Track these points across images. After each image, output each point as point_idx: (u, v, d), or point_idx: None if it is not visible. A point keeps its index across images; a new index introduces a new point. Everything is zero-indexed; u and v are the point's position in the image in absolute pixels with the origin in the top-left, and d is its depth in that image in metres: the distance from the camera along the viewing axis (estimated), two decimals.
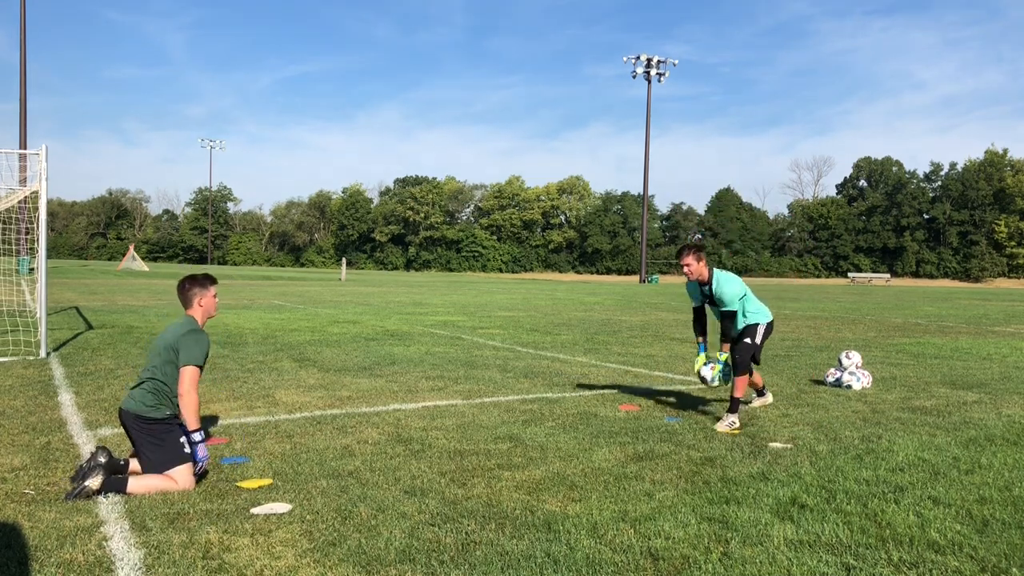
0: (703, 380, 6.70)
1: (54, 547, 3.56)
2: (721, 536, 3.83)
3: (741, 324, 6.72)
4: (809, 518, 4.10)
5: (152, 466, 4.49)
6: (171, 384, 4.63)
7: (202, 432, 4.60)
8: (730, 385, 6.65)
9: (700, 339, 6.97)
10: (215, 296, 4.99)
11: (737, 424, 6.28)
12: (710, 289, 6.64)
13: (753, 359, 6.73)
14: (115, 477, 4.35)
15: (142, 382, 4.66)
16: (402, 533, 3.80)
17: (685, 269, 6.60)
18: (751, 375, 6.82)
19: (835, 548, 3.71)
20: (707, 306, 6.91)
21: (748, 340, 6.64)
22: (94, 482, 4.25)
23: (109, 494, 4.28)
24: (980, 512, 4.25)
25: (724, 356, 6.61)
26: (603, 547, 3.66)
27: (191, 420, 4.56)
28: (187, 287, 4.93)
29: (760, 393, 7.26)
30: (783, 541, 3.77)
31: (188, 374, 4.60)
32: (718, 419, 6.57)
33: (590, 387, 8.29)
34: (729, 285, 6.56)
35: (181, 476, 4.45)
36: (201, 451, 4.55)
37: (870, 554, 3.64)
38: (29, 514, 3.97)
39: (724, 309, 6.60)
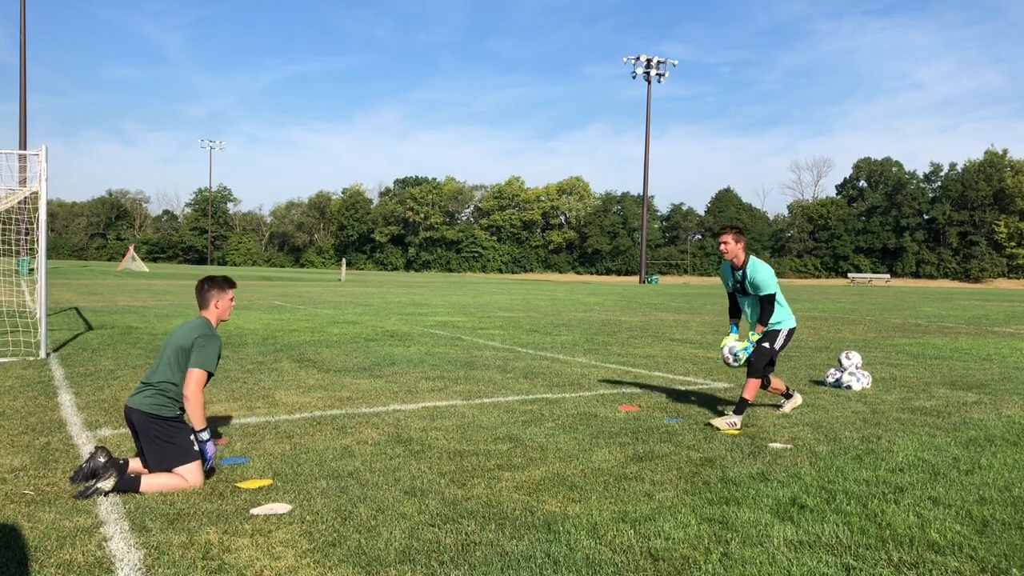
0: (728, 357, 6.58)
1: (54, 547, 3.56)
2: (721, 536, 3.83)
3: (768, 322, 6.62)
4: (809, 518, 4.10)
5: (158, 464, 4.50)
6: (180, 385, 4.64)
7: (209, 431, 4.63)
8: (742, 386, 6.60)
9: (733, 321, 6.92)
10: (232, 300, 5.00)
11: (738, 426, 6.26)
12: (743, 275, 6.60)
13: (770, 362, 6.66)
14: (127, 476, 4.37)
15: (151, 382, 4.66)
16: (402, 533, 3.80)
17: (722, 247, 6.62)
18: (768, 380, 6.77)
19: (835, 548, 3.71)
20: (738, 296, 6.81)
21: (767, 345, 6.55)
22: (107, 484, 4.27)
23: (120, 493, 4.30)
24: (980, 512, 4.25)
25: (755, 337, 6.52)
26: (603, 547, 3.66)
27: (197, 420, 4.58)
28: (206, 288, 4.93)
29: (787, 396, 7.06)
30: (783, 541, 3.77)
31: (195, 376, 4.61)
32: (721, 414, 6.55)
33: (590, 387, 8.29)
34: (763, 272, 6.52)
35: (191, 473, 4.48)
36: (209, 449, 4.58)
37: (870, 554, 3.64)
38: (29, 514, 3.97)
39: (762, 294, 6.49)
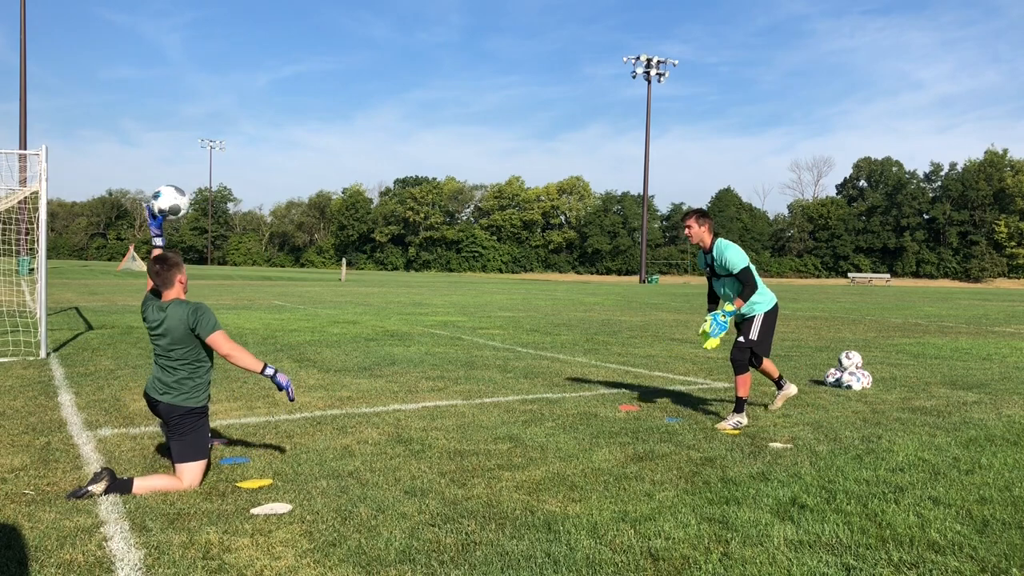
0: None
1: (54, 547, 3.56)
2: (721, 536, 3.83)
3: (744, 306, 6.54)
4: (809, 518, 4.10)
5: (178, 456, 4.56)
6: (202, 371, 4.70)
7: (271, 367, 4.70)
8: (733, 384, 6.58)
9: (710, 307, 6.87)
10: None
11: (744, 423, 6.28)
12: (711, 258, 6.55)
13: (761, 352, 6.62)
14: (120, 480, 4.35)
15: (169, 370, 4.64)
16: (402, 533, 3.80)
17: (687, 231, 6.59)
18: (760, 366, 6.73)
19: (835, 548, 3.71)
20: (712, 281, 6.73)
21: (742, 339, 6.53)
22: (97, 487, 4.26)
23: (112, 495, 4.30)
24: (980, 512, 4.25)
25: (729, 308, 6.38)
26: (603, 547, 3.67)
27: (253, 364, 4.65)
28: (166, 268, 4.76)
29: (779, 386, 6.98)
30: (783, 541, 3.77)
31: (221, 338, 4.65)
32: (721, 419, 6.56)
33: (590, 387, 8.29)
34: (731, 251, 6.41)
35: (190, 472, 4.49)
36: (282, 379, 4.70)
37: (870, 554, 3.64)
38: (29, 514, 3.97)
39: (736, 271, 6.37)
